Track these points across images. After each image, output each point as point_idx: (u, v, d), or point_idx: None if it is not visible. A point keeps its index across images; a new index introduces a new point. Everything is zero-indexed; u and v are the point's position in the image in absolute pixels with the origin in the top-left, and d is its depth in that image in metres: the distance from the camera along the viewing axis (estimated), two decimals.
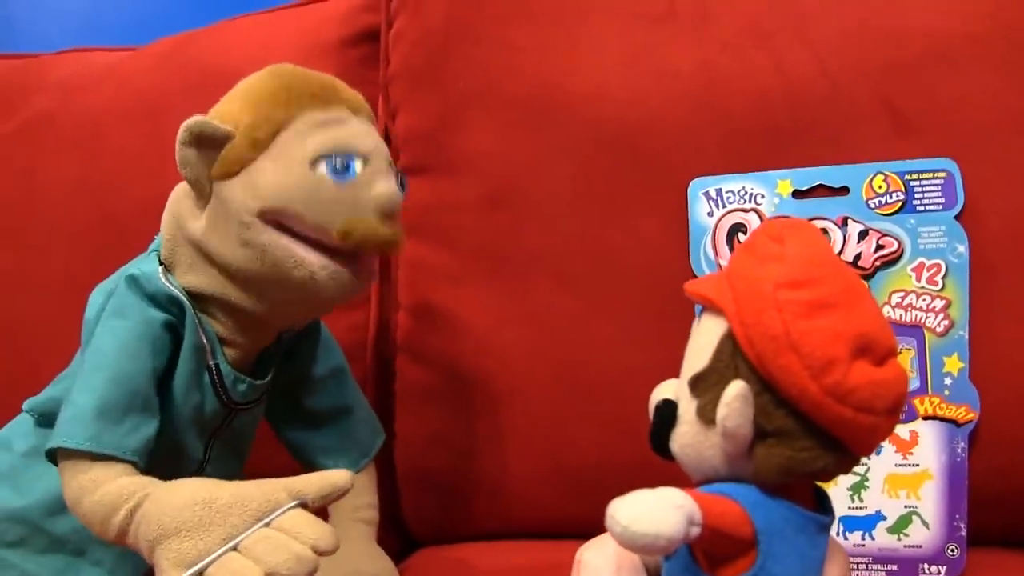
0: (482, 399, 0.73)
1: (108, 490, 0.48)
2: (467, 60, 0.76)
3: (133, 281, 0.55)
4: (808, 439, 0.36)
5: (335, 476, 0.47)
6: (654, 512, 0.33)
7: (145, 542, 0.46)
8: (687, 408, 0.39)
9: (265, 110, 0.54)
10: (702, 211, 0.65)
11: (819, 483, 0.41)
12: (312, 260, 0.53)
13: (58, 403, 0.54)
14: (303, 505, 0.46)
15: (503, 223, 0.74)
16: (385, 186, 0.54)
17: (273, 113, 0.54)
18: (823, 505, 0.41)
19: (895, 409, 0.37)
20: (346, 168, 0.53)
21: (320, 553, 0.44)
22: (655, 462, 0.43)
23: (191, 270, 0.56)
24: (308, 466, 0.65)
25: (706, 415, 0.37)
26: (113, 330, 0.53)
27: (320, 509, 0.47)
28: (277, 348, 0.62)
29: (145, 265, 0.56)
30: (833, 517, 0.40)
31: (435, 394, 0.76)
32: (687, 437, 0.39)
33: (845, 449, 0.37)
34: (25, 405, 0.60)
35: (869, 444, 0.38)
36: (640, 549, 0.34)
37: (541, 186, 0.72)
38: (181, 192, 0.57)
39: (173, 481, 0.49)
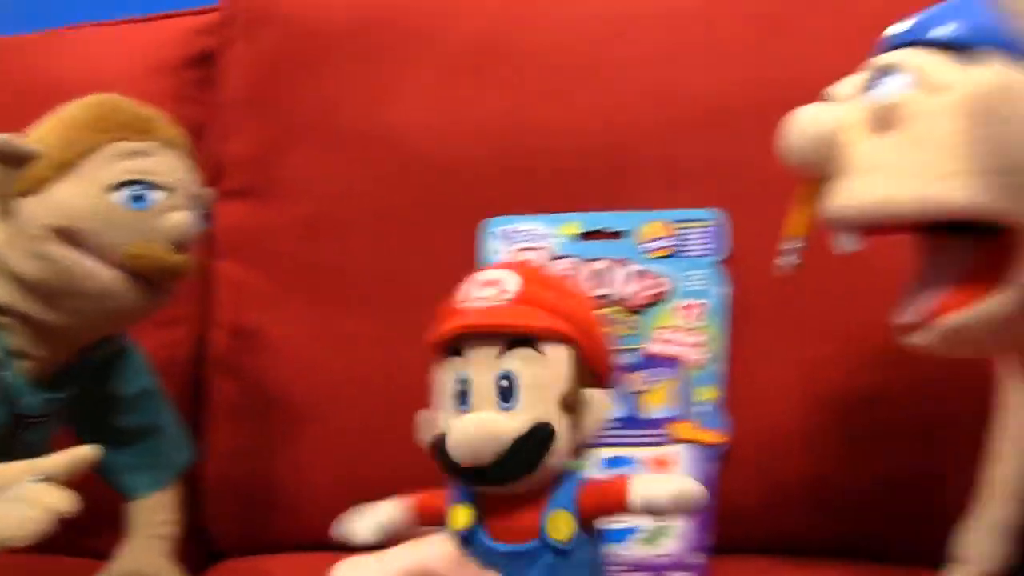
0: (291, 416, 0.77)
1: None
2: (295, 91, 0.81)
3: None
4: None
5: (82, 450, 0.49)
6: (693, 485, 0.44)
7: None
8: (562, 427, 0.44)
9: (75, 135, 0.58)
10: (494, 247, 0.71)
11: None
12: (102, 272, 0.56)
13: None
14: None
15: (318, 248, 0.78)
16: (179, 217, 0.58)
17: (83, 138, 0.58)
18: None
19: None
20: (142, 197, 0.57)
21: (56, 514, 0.45)
22: (443, 478, 0.48)
23: None
24: (113, 483, 0.68)
25: (578, 423, 0.45)
26: None
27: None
28: (81, 365, 0.63)
29: None
30: None
31: (247, 410, 0.79)
32: (562, 448, 0.45)
33: None
34: None
35: None
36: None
37: (354, 215, 0.77)
38: None
39: None
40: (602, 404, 0.46)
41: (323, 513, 0.76)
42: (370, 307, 0.76)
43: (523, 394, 0.44)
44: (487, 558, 0.43)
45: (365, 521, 0.48)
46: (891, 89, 0.45)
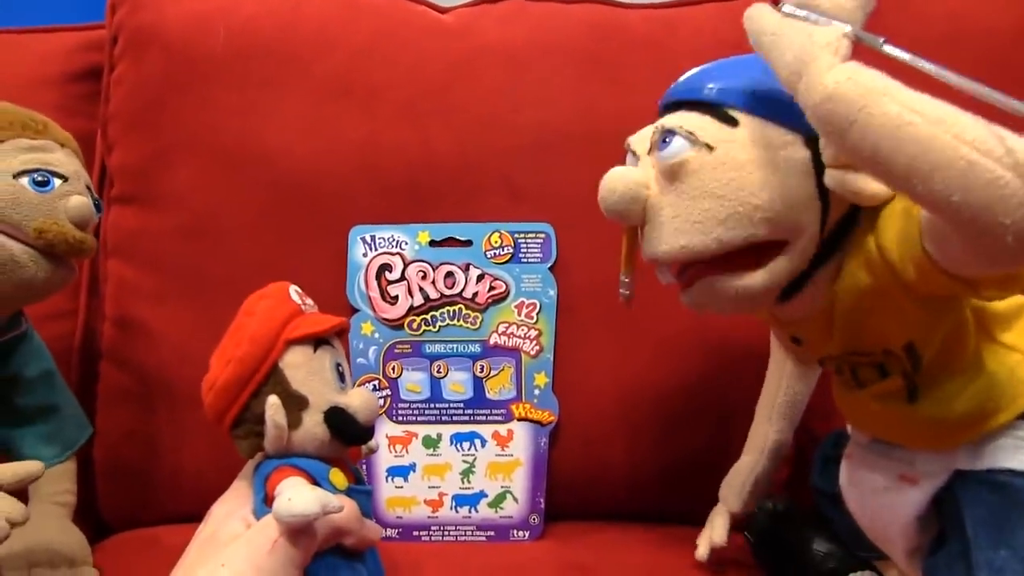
0: (173, 401, 0.82)
1: None
2: (177, 110, 0.85)
3: None
4: None
5: (29, 465, 0.56)
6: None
7: None
8: None
9: None
10: (358, 252, 0.78)
11: None
12: (11, 244, 0.62)
13: None
14: None
15: (198, 250, 0.83)
16: (79, 200, 0.64)
17: None
18: None
19: None
20: (46, 183, 0.63)
21: (12, 523, 0.52)
22: None
23: None
24: (14, 459, 0.70)
25: None
26: None
27: (18, 492, 0.55)
28: None
29: None
30: None
31: (133, 396, 0.83)
32: None
33: None
34: None
35: None
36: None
37: (232, 222, 0.83)
38: None
39: None
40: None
41: (200, 488, 0.82)
42: (239, 303, 0.81)
43: (348, 375, 0.54)
44: (360, 501, 0.51)
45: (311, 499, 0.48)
46: (673, 150, 0.51)
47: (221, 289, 0.82)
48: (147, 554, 0.75)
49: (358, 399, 0.52)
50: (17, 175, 0.63)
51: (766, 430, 0.68)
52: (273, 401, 0.50)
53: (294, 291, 0.55)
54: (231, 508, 0.50)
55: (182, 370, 0.82)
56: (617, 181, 0.53)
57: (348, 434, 0.51)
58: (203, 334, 0.79)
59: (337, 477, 0.51)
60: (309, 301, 0.55)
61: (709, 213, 0.49)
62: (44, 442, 0.73)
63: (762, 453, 0.68)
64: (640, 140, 0.57)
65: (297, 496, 0.45)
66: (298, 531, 0.46)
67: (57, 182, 0.64)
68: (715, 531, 0.67)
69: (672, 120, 0.53)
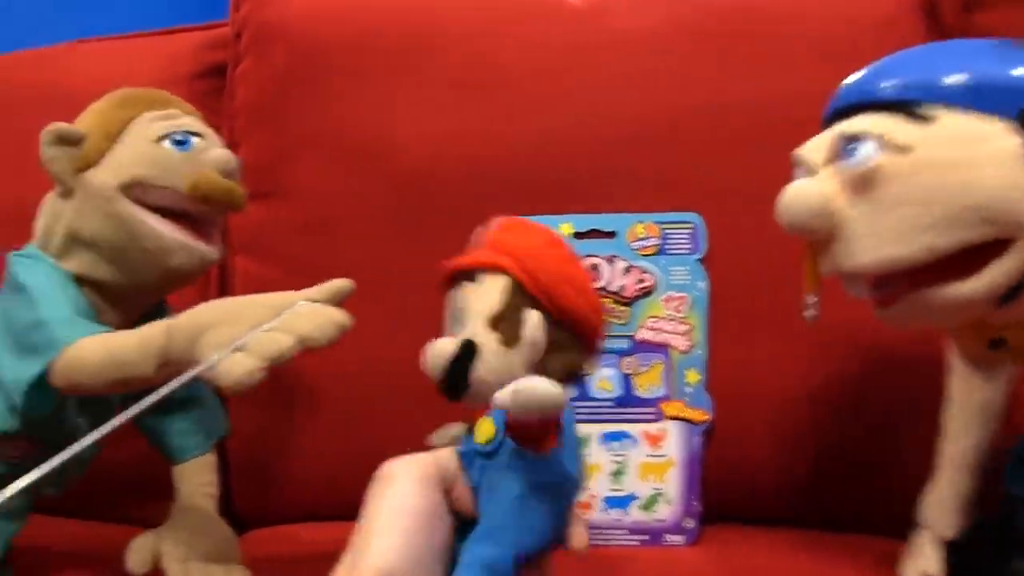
0: (305, 398, 0.82)
1: (137, 334, 0.54)
2: (302, 104, 0.85)
3: (25, 256, 0.64)
4: (575, 348, 0.47)
5: (339, 281, 0.56)
6: (545, 383, 0.41)
7: (184, 344, 0.51)
8: (488, 340, 0.45)
9: (114, 112, 0.66)
10: None
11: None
12: (162, 230, 0.63)
13: None
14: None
15: (326, 245, 0.83)
16: (220, 152, 0.66)
17: (120, 113, 0.66)
18: None
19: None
20: (185, 141, 0.65)
21: (338, 325, 0.51)
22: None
23: (64, 257, 0.64)
24: (162, 447, 0.73)
25: (508, 340, 0.45)
26: (39, 275, 0.62)
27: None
28: None
29: (27, 251, 0.65)
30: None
31: (265, 392, 0.80)
32: (493, 362, 0.45)
33: (593, 353, 0.48)
34: None
35: (601, 346, 0.49)
36: (554, 409, 0.41)
37: (359, 215, 0.82)
38: (50, 196, 0.67)
39: None
40: (533, 322, 0.45)
41: (332, 486, 0.82)
42: (374, 297, 0.76)
43: (467, 321, 0.46)
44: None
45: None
46: (862, 156, 0.48)
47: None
48: (289, 550, 0.76)
49: (429, 353, 0.47)
50: (158, 140, 0.65)
51: (962, 444, 0.62)
52: None
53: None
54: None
55: (314, 365, 0.80)
56: (800, 196, 0.51)
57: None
58: None
59: (482, 429, 0.46)
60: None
61: (914, 220, 0.47)
62: (189, 432, 0.74)
63: (962, 470, 0.62)
64: (813, 151, 0.53)
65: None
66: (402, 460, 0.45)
67: (195, 139, 0.66)
68: (928, 561, 0.61)
69: (855, 125, 0.50)
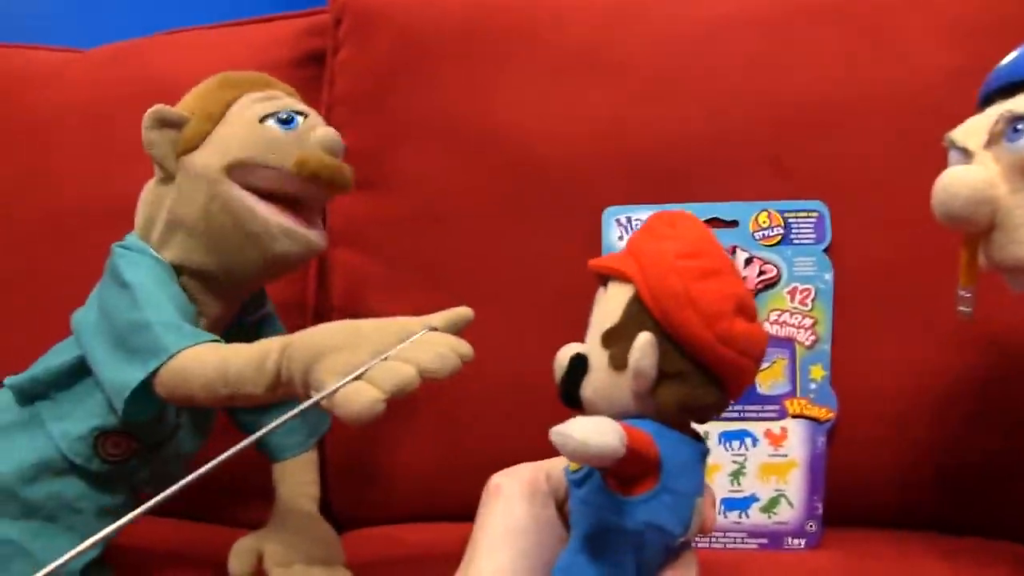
0: (406, 399, 0.79)
1: (248, 350, 0.53)
2: (407, 91, 0.83)
3: (128, 247, 0.63)
4: (700, 379, 0.41)
5: (460, 309, 0.55)
6: (601, 428, 0.36)
7: (300, 367, 0.50)
8: (599, 358, 0.43)
9: (215, 94, 0.65)
10: (614, 235, 0.73)
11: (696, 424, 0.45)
12: (267, 214, 0.62)
13: (39, 382, 0.60)
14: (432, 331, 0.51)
15: (433, 238, 0.81)
16: (326, 130, 0.64)
17: (221, 95, 0.65)
18: (700, 442, 0.46)
19: (760, 357, 0.44)
20: (290, 120, 0.64)
21: (461, 357, 0.49)
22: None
23: (165, 245, 0.63)
24: (262, 446, 0.72)
25: (617, 362, 0.42)
26: (141, 271, 0.61)
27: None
28: (241, 331, 0.68)
29: (129, 241, 0.64)
30: (708, 450, 0.46)
31: None
32: (599, 382, 0.42)
33: (726, 388, 0.43)
34: (6, 381, 0.64)
35: (742, 385, 0.44)
36: (590, 459, 0.37)
37: (468, 206, 0.80)
38: (150, 184, 0.66)
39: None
40: (641, 345, 0.41)
41: (429, 488, 0.81)
42: (487, 294, 0.77)
43: (590, 330, 0.44)
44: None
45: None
46: None
47: (458, 277, 0.81)
48: (389, 551, 0.74)
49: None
50: (262, 120, 0.63)
51: None
52: None
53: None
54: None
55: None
56: (959, 184, 0.48)
57: None
58: None
59: None
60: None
61: None
62: (290, 430, 0.73)
63: None
64: (969, 133, 0.50)
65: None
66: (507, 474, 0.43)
67: (299, 118, 0.64)
68: None
69: (1021, 104, 0.47)
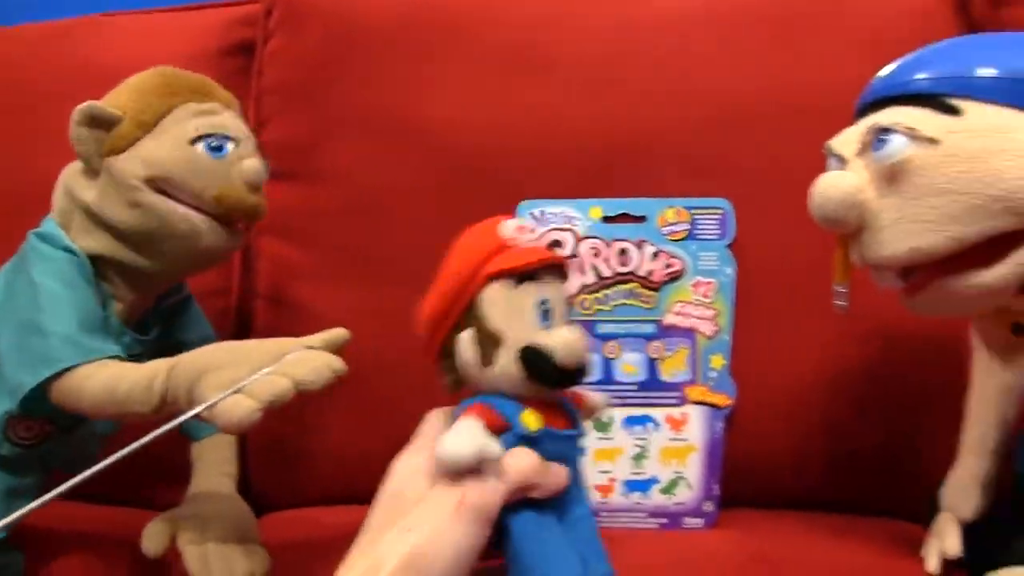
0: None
1: (137, 371, 0.55)
2: (337, 83, 0.85)
3: (44, 237, 0.63)
4: None
5: (337, 330, 0.57)
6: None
7: (184, 386, 0.53)
8: None
9: (150, 99, 0.64)
10: None
11: None
12: (193, 215, 0.63)
13: None
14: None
15: (357, 229, 0.82)
16: (252, 163, 0.65)
17: (158, 101, 0.64)
18: None
19: None
20: (220, 148, 0.64)
21: (334, 372, 0.53)
22: None
23: (84, 234, 0.64)
24: (180, 428, 0.73)
25: None
26: (49, 272, 0.61)
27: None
28: (157, 314, 0.69)
29: (46, 229, 0.64)
30: None
31: None
32: None
33: None
34: None
35: None
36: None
37: (393, 199, 0.82)
38: (73, 169, 0.66)
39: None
40: None
41: (352, 470, 0.82)
42: (409, 282, 0.75)
43: (556, 315, 0.48)
44: (557, 447, 0.47)
45: (466, 441, 0.45)
46: (893, 149, 0.49)
47: (383, 267, 0.82)
48: (307, 533, 0.75)
49: (559, 339, 0.47)
50: (192, 141, 0.63)
51: (984, 429, 0.63)
52: (464, 337, 0.48)
53: (509, 224, 0.51)
54: (416, 464, 0.47)
55: (337, 349, 0.81)
56: (832, 188, 0.51)
57: (542, 374, 0.47)
58: (363, 313, 0.82)
59: (529, 418, 0.47)
60: (531, 234, 0.51)
61: (941, 211, 0.48)
62: None
63: (983, 454, 0.63)
64: (844, 143, 0.54)
65: (451, 439, 0.44)
66: (480, 487, 0.43)
67: (230, 146, 0.65)
68: (947, 542, 0.62)
69: (886, 117, 0.51)
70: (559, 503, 0.47)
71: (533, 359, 0.46)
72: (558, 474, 0.46)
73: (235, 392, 0.51)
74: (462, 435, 0.44)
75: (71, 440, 0.65)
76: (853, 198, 0.50)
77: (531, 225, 0.52)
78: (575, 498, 0.48)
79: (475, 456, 0.43)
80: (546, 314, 0.48)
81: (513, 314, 0.48)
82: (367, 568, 0.41)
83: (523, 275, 0.48)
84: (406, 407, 0.78)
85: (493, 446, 0.44)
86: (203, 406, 0.50)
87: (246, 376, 0.51)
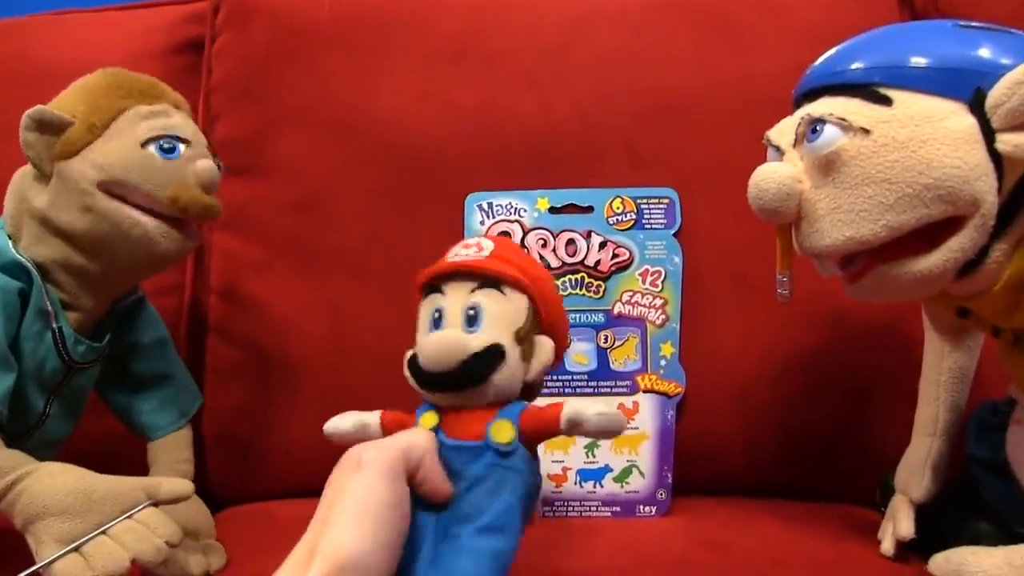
0: (282, 375, 0.81)
1: None
2: (285, 79, 0.85)
3: None
4: None
5: (180, 485, 0.58)
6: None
7: (23, 515, 0.54)
8: (512, 351, 0.49)
9: (100, 102, 0.63)
10: (475, 220, 0.76)
11: None
12: (146, 221, 0.62)
13: None
14: (155, 504, 0.56)
15: (308, 223, 0.82)
16: (205, 163, 0.65)
17: (108, 104, 0.63)
18: None
19: None
20: (172, 149, 0.63)
21: (171, 546, 0.55)
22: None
23: (36, 242, 0.63)
24: (131, 426, 0.73)
25: (526, 356, 0.50)
26: None
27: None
28: (111, 317, 0.69)
29: None
30: None
31: (241, 369, 0.82)
32: (510, 372, 0.49)
33: None
34: None
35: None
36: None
37: (342, 193, 0.82)
38: (23, 173, 0.65)
39: (51, 465, 0.56)
40: (548, 349, 0.51)
41: (310, 463, 0.81)
42: (358, 276, 0.80)
43: (485, 323, 0.49)
44: (450, 456, 0.48)
45: (348, 418, 0.54)
46: (825, 139, 0.49)
47: (332, 260, 0.82)
48: (264, 527, 0.75)
49: (425, 341, 0.49)
50: (144, 144, 0.63)
51: (935, 410, 0.64)
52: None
53: (466, 241, 0.54)
54: (354, 454, 0.47)
55: (291, 342, 0.82)
56: (768, 180, 0.51)
57: (416, 378, 0.50)
58: (313, 306, 0.82)
59: (425, 419, 0.50)
60: (468, 250, 0.52)
61: (874, 200, 0.48)
62: (160, 409, 0.74)
63: (935, 435, 0.64)
64: (781, 133, 0.55)
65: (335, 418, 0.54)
66: (373, 445, 0.46)
67: (182, 147, 0.64)
68: (900, 524, 0.62)
69: (818, 108, 0.51)
70: (447, 517, 0.47)
71: (409, 364, 0.50)
72: (437, 473, 0.47)
73: (72, 550, 0.52)
74: (346, 416, 0.54)
75: (24, 447, 0.65)
76: (789, 189, 0.51)
77: (473, 240, 0.54)
78: (464, 517, 0.47)
79: (353, 427, 0.53)
80: (436, 322, 0.50)
81: (421, 325, 0.52)
82: (304, 554, 0.42)
83: (426, 287, 0.52)
84: (358, 399, 0.80)
85: (368, 419, 0.53)
86: (41, 563, 0.52)
87: (88, 531, 0.53)
